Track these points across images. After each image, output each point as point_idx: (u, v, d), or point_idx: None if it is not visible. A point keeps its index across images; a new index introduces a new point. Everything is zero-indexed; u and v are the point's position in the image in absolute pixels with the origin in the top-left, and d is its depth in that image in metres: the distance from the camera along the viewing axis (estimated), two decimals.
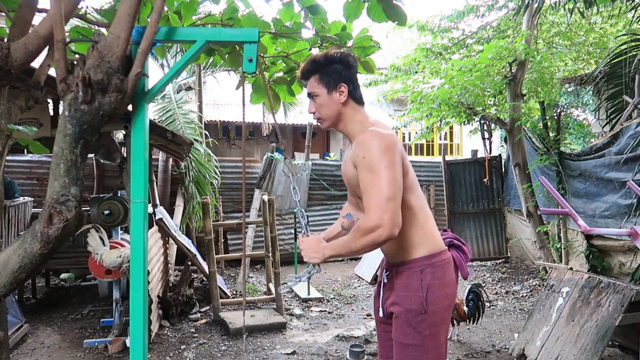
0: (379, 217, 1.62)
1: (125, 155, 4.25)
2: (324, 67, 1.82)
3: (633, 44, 4.95)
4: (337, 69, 1.81)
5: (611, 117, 5.50)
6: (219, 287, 5.06)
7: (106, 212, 4.27)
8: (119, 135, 6.40)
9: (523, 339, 3.87)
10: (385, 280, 1.89)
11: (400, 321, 1.80)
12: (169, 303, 4.68)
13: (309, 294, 5.62)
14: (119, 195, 4.57)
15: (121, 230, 4.81)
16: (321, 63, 1.82)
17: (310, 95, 1.87)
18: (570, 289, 3.71)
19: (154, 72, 7.63)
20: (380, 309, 1.91)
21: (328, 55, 1.83)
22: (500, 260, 7.61)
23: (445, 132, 14.18)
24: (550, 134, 5.85)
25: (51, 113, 3.58)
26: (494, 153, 8.12)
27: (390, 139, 1.70)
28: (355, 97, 1.86)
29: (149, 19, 1.63)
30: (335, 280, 6.58)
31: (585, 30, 7.53)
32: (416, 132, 10.89)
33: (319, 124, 1.91)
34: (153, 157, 6.24)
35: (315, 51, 2.43)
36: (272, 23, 2.27)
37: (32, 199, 5.71)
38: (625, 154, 4.54)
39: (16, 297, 4.95)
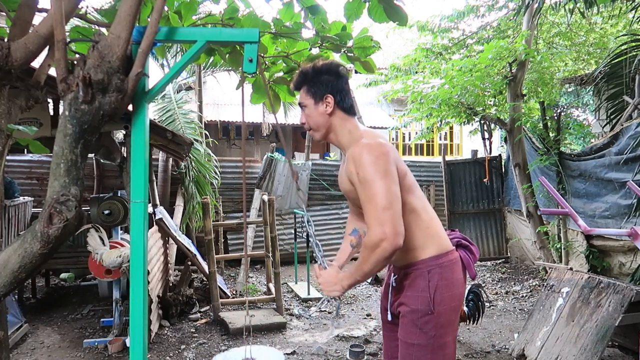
0: (380, 231, 1.62)
1: (125, 155, 4.25)
2: (312, 79, 1.84)
3: (633, 44, 4.95)
4: (324, 80, 1.83)
5: (611, 117, 5.50)
6: (219, 287, 5.06)
7: (106, 212, 4.27)
8: (119, 135, 6.40)
9: (523, 339, 3.87)
10: (394, 284, 1.88)
11: (406, 321, 1.79)
12: (169, 303, 4.68)
13: (309, 294, 5.63)
14: (119, 195, 4.57)
15: (121, 230, 4.80)
16: (309, 74, 1.84)
17: (300, 105, 1.89)
18: (570, 289, 3.71)
19: (154, 72, 7.62)
20: (388, 311, 1.91)
21: (316, 67, 1.84)
22: (500, 260, 7.61)
23: (445, 132, 14.18)
24: (550, 134, 5.85)
25: (51, 113, 3.58)
26: (494, 153, 8.12)
27: (380, 149, 1.70)
28: (344, 107, 1.85)
29: (149, 19, 1.63)
30: None
31: (585, 31, 7.54)
32: (416, 132, 10.90)
33: (311, 135, 1.93)
34: (153, 157, 6.23)
35: (316, 51, 2.44)
36: (272, 23, 2.27)
37: (32, 199, 5.70)
38: (625, 154, 4.55)
39: (16, 297, 4.95)
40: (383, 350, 2.07)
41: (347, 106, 1.85)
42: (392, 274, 1.90)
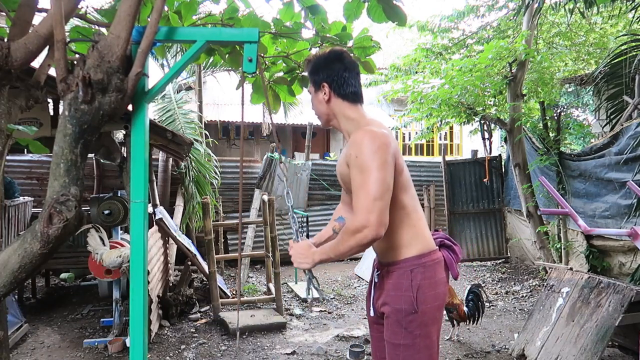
0: (365, 218, 1.62)
1: (125, 155, 4.25)
2: (312, 68, 1.88)
3: (633, 44, 4.95)
4: (321, 68, 1.86)
5: (611, 117, 5.50)
6: (219, 287, 5.06)
7: (106, 212, 4.27)
8: (119, 135, 6.40)
9: (523, 339, 3.87)
10: (377, 280, 1.89)
11: (391, 321, 1.80)
12: (169, 303, 4.68)
13: (309, 294, 5.62)
14: (119, 195, 4.57)
15: (121, 230, 4.80)
16: (311, 64, 1.89)
17: (310, 93, 1.95)
18: (570, 289, 3.71)
19: (154, 72, 7.62)
20: (372, 308, 1.91)
21: (315, 57, 1.89)
22: (500, 260, 7.61)
23: (445, 132, 14.19)
24: (550, 134, 5.85)
25: (51, 113, 3.58)
26: (494, 153, 8.12)
27: (383, 139, 1.70)
28: (341, 93, 1.84)
29: (149, 19, 1.63)
30: (335, 280, 6.58)
31: (585, 31, 7.54)
32: (416, 132, 10.90)
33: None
34: (153, 157, 6.23)
35: (316, 51, 2.43)
36: (272, 23, 2.27)
37: (32, 199, 5.70)
38: (625, 154, 4.55)
39: (16, 297, 4.95)
40: (372, 352, 2.07)
41: (345, 93, 1.84)
42: (376, 270, 1.91)
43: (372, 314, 1.91)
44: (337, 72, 1.83)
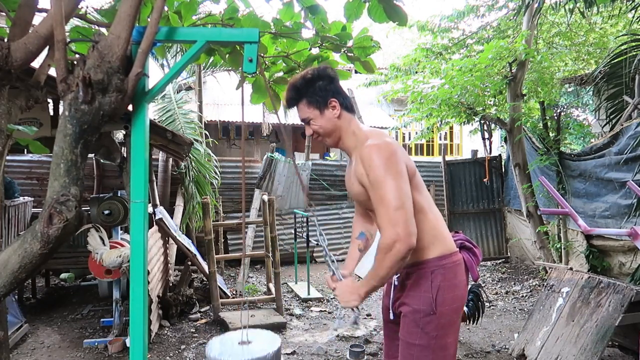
0: (393, 232, 1.61)
1: (125, 155, 4.25)
2: (308, 89, 1.79)
3: (633, 44, 4.95)
4: (321, 86, 1.79)
5: (611, 117, 5.50)
6: (219, 287, 5.06)
7: (106, 212, 4.27)
8: (119, 135, 6.40)
9: (523, 339, 3.87)
10: (396, 283, 1.88)
11: (407, 320, 1.80)
12: (169, 303, 4.68)
13: (309, 294, 5.63)
14: (119, 195, 4.57)
15: (121, 230, 4.81)
16: (303, 87, 1.80)
17: (304, 121, 1.85)
18: (570, 289, 3.70)
19: (154, 72, 7.62)
20: (390, 310, 1.91)
21: (306, 77, 1.80)
22: (500, 260, 7.61)
23: (445, 132, 14.18)
24: (550, 134, 5.85)
25: (51, 113, 3.58)
26: (494, 153, 8.12)
27: (389, 148, 1.69)
28: (347, 107, 1.84)
29: (149, 19, 1.63)
30: None
31: (585, 31, 7.54)
32: (416, 132, 10.90)
33: (324, 143, 1.90)
34: (153, 157, 6.23)
35: (316, 51, 2.43)
36: (272, 23, 2.26)
37: (32, 199, 5.70)
38: (625, 154, 4.55)
39: (16, 297, 4.95)
40: (383, 350, 2.07)
41: (348, 105, 1.85)
42: (395, 273, 1.91)
43: (391, 317, 1.91)
44: (337, 86, 1.83)
